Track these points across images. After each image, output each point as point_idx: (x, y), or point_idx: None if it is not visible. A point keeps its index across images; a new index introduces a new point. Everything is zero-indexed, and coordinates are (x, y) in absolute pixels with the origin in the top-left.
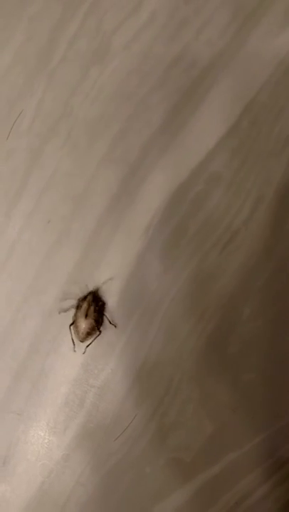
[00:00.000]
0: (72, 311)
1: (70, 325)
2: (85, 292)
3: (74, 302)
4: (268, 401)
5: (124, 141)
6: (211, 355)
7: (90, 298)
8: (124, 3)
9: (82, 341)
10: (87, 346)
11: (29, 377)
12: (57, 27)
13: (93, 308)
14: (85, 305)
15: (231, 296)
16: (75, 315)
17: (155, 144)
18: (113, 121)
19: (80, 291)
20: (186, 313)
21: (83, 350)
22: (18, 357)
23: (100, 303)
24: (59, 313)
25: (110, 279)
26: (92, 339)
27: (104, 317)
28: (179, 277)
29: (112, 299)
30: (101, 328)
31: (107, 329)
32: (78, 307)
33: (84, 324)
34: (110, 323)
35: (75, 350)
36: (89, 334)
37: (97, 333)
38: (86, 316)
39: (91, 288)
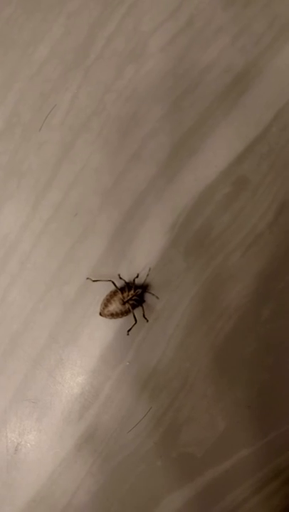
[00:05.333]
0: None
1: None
2: (138, 283)
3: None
4: (282, 400)
5: (154, 140)
6: (228, 354)
7: (138, 291)
8: (163, 6)
9: (101, 315)
10: (129, 330)
11: (46, 366)
12: (95, 24)
13: (134, 301)
14: (131, 293)
15: (251, 297)
16: (114, 293)
17: (185, 145)
18: (145, 121)
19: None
20: (205, 311)
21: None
22: (36, 345)
23: (142, 300)
24: (93, 280)
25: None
26: (111, 319)
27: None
28: (201, 276)
29: None
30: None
31: (126, 323)
32: (122, 290)
33: (116, 307)
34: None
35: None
36: (112, 316)
37: (120, 316)
38: (124, 302)
39: (143, 283)
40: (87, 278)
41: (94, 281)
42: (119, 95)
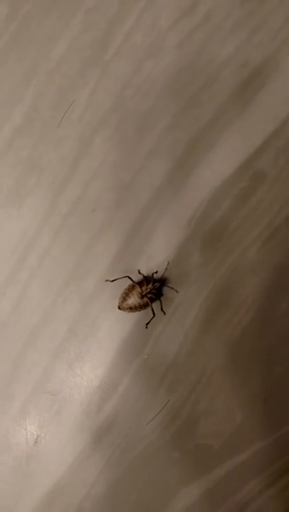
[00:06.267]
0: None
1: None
2: (156, 277)
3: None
4: None
5: (172, 135)
6: (245, 347)
7: (157, 285)
8: (181, 1)
9: (120, 308)
10: (147, 324)
11: (66, 359)
12: (113, 21)
13: (152, 295)
14: (149, 286)
15: (268, 291)
16: (132, 287)
17: (202, 140)
18: (162, 116)
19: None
20: (223, 305)
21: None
22: (56, 339)
23: (160, 294)
24: (111, 281)
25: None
26: (130, 312)
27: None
28: (219, 270)
29: None
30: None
31: (144, 317)
32: (140, 284)
33: (134, 300)
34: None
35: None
36: (131, 309)
37: (138, 310)
38: (142, 296)
39: (161, 276)
40: (106, 280)
41: (112, 281)
42: (137, 91)
